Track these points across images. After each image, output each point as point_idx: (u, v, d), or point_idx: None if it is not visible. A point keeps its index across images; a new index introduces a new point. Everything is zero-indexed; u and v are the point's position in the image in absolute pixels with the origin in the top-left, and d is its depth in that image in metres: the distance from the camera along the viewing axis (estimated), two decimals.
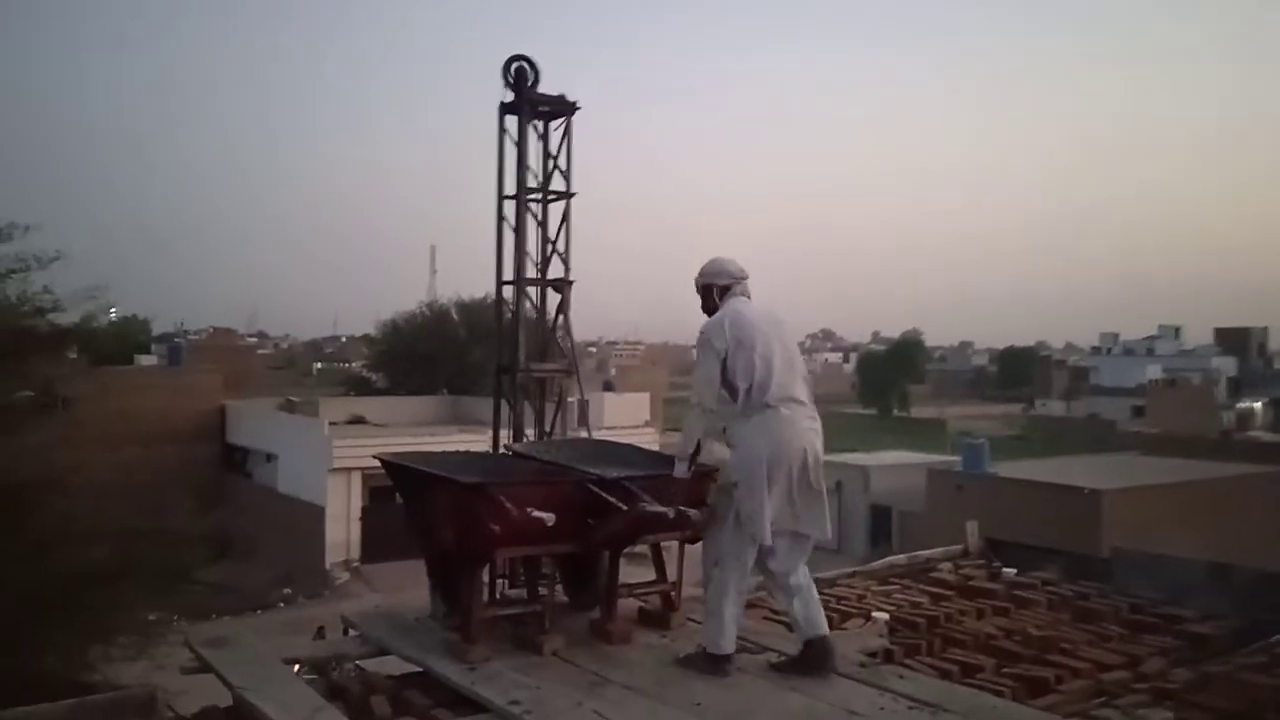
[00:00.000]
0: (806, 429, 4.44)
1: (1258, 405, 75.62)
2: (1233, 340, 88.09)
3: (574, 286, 10.00)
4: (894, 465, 32.96)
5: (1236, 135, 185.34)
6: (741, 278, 4.72)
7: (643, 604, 5.36)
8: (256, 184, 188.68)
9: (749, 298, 4.70)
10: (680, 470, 4.50)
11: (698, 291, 4.78)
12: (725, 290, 4.68)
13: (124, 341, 37.33)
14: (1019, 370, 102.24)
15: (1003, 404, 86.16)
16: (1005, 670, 5.09)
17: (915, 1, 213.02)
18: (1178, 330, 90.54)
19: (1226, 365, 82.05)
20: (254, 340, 79.18)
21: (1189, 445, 44.31)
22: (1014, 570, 7.19)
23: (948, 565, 7.39)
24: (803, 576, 4.52)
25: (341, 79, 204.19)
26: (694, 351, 4.58)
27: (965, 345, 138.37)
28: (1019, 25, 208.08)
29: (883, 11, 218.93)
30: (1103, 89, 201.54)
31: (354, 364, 62.89)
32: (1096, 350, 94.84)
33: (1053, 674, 4.98)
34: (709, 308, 4.69)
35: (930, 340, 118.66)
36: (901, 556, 7.70)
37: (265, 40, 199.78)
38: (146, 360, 38.14)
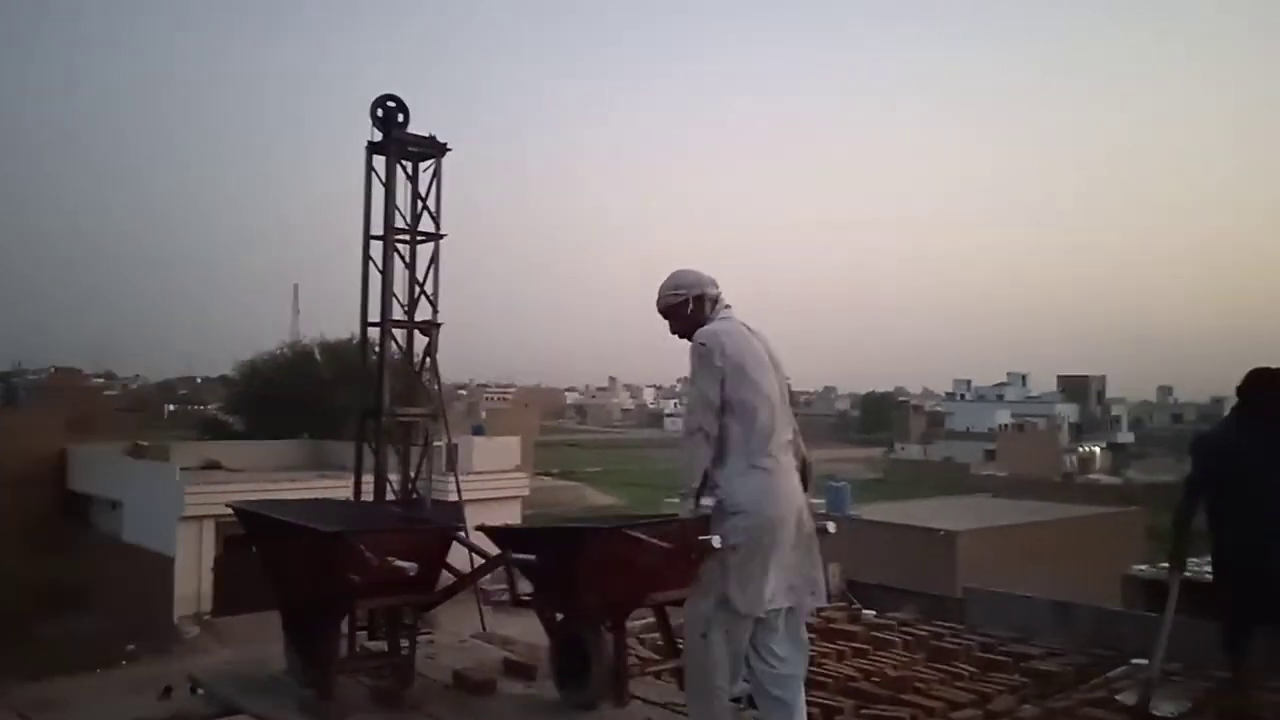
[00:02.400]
0: (798, 483, 3.92)
1: (1097, 449, 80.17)
2: (1074, 387, 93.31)
3: (442, 329, 9.89)
4: None
5: (1094, 181, 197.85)
6: (717, 285, 4.04)
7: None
8: (107, 216, 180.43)
9: (727, 310, 4.04)
10: (687, 509, 3.75)
11: (670, 313, 4.04)
12: (714, 303, 4.00)
13: None
14: (879, 415, 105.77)
15: (865, 447, 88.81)
16: (864, 712, 5.21)
17: (802, 35, 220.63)
18: (1024, 378, 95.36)
19: (1069, 411, 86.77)
20: (100, 381, 75.20)
21: (1036, 487, 46.64)
22: (873, 611, 7.38)
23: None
24: (799, 665, 3.88)
25: (200, 110, 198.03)
26: (689, 362, 3.85)
27: (829, 390, 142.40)
28: (889, 68, 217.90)
29: (717, 49, 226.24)
30: (956, 136, 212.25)
31: (209, 406, 60.36)
32: (951, 396, 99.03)
33: (908, 714, 5.12)
34: (688, 330, 3.95)
35: (795, 385, 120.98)
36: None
37: (119, 67, 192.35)
38: None
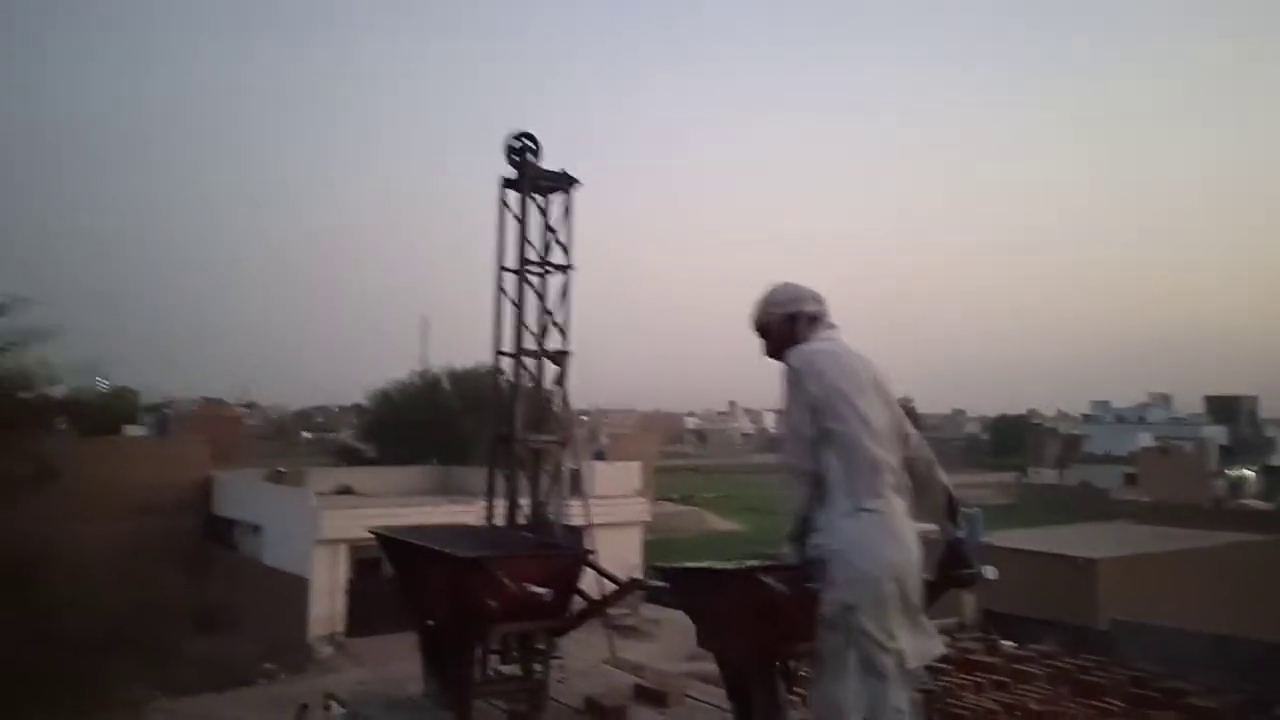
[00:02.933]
0: (913, 529, 3.38)
1: (1249, 473, 75.63)
2: (1223, 408, 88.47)
3: (570, 357, 10.05)
4: None
5: (1223, 201, 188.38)
6: (824, 301, 3.58)
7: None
8: (248, 253, 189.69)
9: (835, 330, 3.57)
10: (791, 556, 3.40)
11: (764, 331, 3.61)
12: (814, 321, 3.52)
13: (113, 412, 37.13)
14: (1011, 438, 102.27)
15: (995, 472, 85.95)
16: None
17: (905, 67, 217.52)
18: (1168, 398, 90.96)
19: (1217, 433, 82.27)
20: (243, 410, 78.83)
21: (1182, 513, 44.25)
22: (1012, 643, 7.12)
23: (945, 638, 7.33)
24: None
25: (335, 148, 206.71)
26: (782, 392, 3.39)
27: (957, 413, 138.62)
28: (1005, 94, 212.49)
29: (874, 75, 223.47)
30: (1087, 151, 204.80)
31: (343, 434, 62.56)
32: (1088, 418, 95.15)
33: None
34: (783, 350, 3.48)
35: (922, 408, 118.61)
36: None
37: (255, 108, 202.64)
38: (134, 431, 37.88)
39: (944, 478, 3.68)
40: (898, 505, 3.29)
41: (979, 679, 6.27)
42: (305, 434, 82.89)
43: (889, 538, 3.22)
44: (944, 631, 7.64)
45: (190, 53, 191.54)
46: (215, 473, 31.28)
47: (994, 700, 5.86)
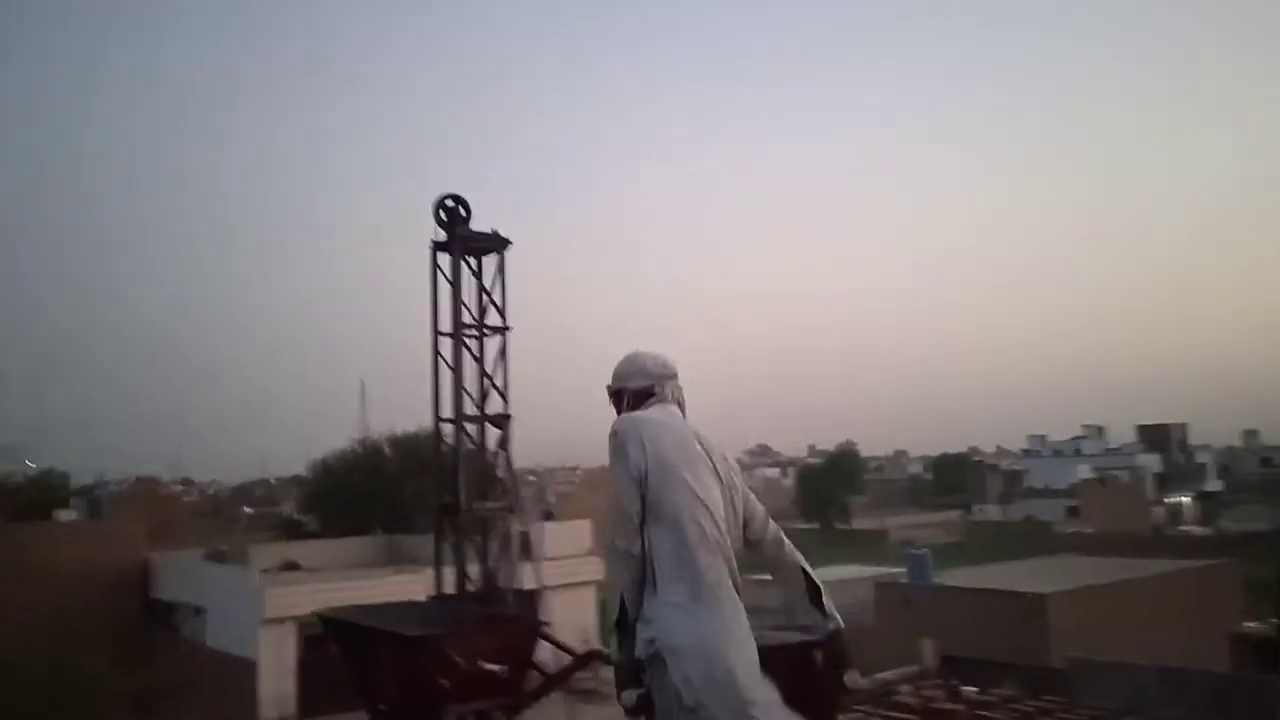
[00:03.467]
0: (747, 636, 2.91)
1: (1185, 500, 77.42)
2: (1155, 437, 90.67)
3: (511, 421, 9.96)
4: (841, 580, 32.79)
5: (1157, 231, 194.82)
6: (666, 376, 3.22)
7: None
8: (176, 324, 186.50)
9: (680, 407, 3.22)
10: (611, 651, 3.05)
11: (613, 402, 3.30)
12: (642, 397, 3.19)
13: (42, 496, 36.03)
14: (953, 476, 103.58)
15: (940, 511, 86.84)
16: None
17: (837, 99, 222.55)
18: (1102, 429, 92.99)
19: (1151, 462, 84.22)
20: (179, 488, 76.94)
21: (1125, 543, 45.06)
22: (974, 688, 7.10)
23: (907, 688, 7.30)
24: None
25: (261, 211, 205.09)
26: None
27: (900, 454, 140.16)
28: (929, 132, 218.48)
29: (798, 124, 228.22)
30: (1025, 188, 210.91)
31: (284, 507, 61.30)
32: (1026, 453, 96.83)
33: None
34: None
35: (865, 450, 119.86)
36: (861, 680, 7.59)
37: (180, 167, 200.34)
38: (66, 515, 36.74)
39: (799, 557, 3.16)
40: (728, 596, 2.90)
41: None
42: (246, 509, 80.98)
43: (728, 631, 2.84)
44: (905, 680, 7.61)
45: (123, 119, 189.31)
46: (153, 554, 30.38)
47: None
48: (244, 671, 23.99)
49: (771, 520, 3.16)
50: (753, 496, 3.13)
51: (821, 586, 3.10)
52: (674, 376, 3.22)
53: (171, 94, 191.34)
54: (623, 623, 2.97)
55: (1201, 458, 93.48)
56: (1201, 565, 29.94)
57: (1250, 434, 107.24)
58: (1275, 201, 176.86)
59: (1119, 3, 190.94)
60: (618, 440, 2.97)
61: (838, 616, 3.08)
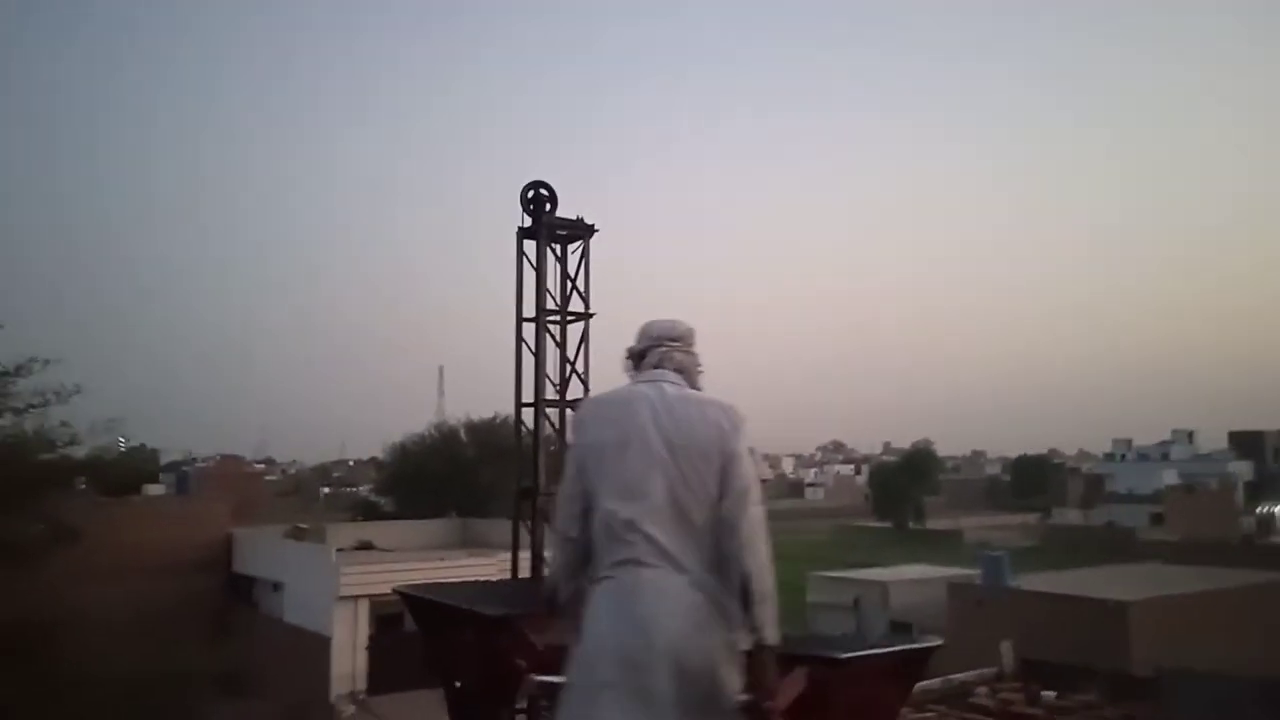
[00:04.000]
0: (657, 613, 2.64)
1: (1278, 509, 74.58)
2: (1247, 443, 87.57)
3: None
4: (913, 579, 32.33)
5: (1247, 232, 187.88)
6: (665, 337, 3.01)
7: None
8: (263, 307, 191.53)
9: (684, 372, 2.98)
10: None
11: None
12: (638, 358, 3.03)
13: (132, 472, 37.29)
14: (1032, 479, 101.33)
15: (1018, 513, 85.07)
16: None
17: (921, 99, 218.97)
18: (1191, 435, 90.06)
19: (1243, 469, 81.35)
20: (261, 466, 79.11)
21: (1212, 552, 43.57)
22: (1053, 693, 6.91)
23: (984, 689, 7.14)
24: None
25: (344, 201, 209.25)
26: None
27: (977, 454, 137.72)
28: (1028, 118, 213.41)
29: (883, 108, 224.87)
30: (1102, 184, 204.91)
31: (362, 488, 62.56)
32: (1110, 457, 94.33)
33: None
34: None
35: (942, 450, 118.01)
36: (935, 680, 7.44)
37: (264, 159, 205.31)
38: (154, 490, 38.00)
39: (748, 562, 2.66)
40: (645, 575, 2.66)
41: None
42: (324, 489, 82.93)
43: (617, 613, 2.66)
44: (982, 682, 7.45)
45: (203, 101, 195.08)
46: (235, 530, 31.27)
47: None
48: (318, 647, 24.56)
49: (748, 506, 2.72)
50: (735, 474, 2.74)
51: (757, 595, 2.64)
52: (677, 340, 3.01)
53: (255, 73, 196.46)
54: (554, 605, 2.96)
55: None
56: None
57: None
58: None
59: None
60: (573, 422, 3.01)
61: (766, 632, 2.63)
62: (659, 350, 2.96)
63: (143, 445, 43.91)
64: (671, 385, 2.88)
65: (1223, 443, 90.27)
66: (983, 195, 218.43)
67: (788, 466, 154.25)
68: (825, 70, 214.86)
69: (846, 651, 4.08)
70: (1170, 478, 75.96)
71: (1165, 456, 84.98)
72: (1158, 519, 66.25)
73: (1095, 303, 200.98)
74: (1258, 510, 72.04)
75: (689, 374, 2.96)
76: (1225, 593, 25.79)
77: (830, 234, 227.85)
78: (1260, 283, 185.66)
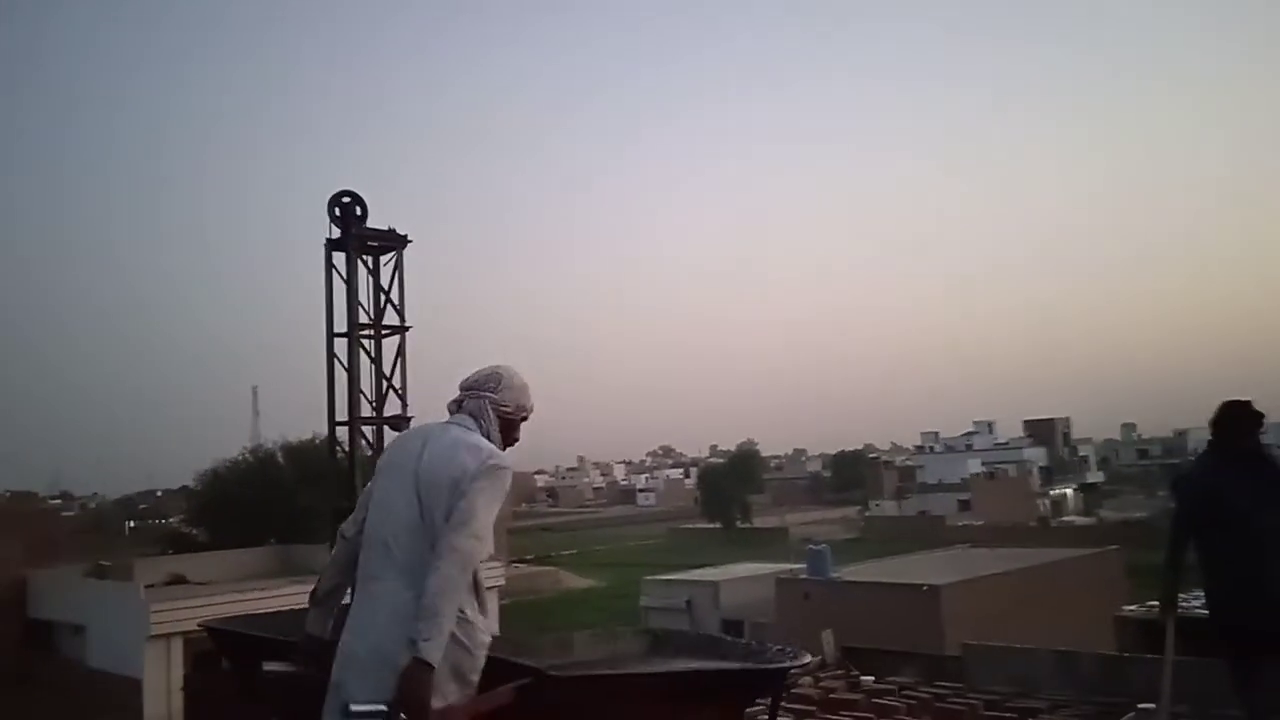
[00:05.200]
0: (374, 621, 2.98)
1: (1069, 491, 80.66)
2: (1040, 431, 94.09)
3: (412, 422, 9.73)
4: (743, 578, 33.12)
5: (1035, 231, 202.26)
6: (465, 389, 3.35)
7: None
8: (52, 328, 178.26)
9: (475, 416, 3.28)
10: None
11: None
12: (452, 407, 3.39)
13: None
14: (851, 473, 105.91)
15: (839, 507, 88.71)
16: None
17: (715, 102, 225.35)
18: (991, 425, 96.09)
19: (1037, 455, 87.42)
20: (57, 502, 73.47)
21: (1013, 534, 46.72)
22: (871, 677, 7.21)
23: (808, 679, 7.37)
24: None
25: (149, 212, 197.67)
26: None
27: (799, 452, 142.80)
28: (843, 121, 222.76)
29: (704, 111, 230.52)
30: (911, 182, 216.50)
31: (171, 519, 59.09)
32: (920, 449, 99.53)
33: None
34: None
35: (765, 450, 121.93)
36: None
37: (67, 166, 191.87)
38: None
39: (430, 578, 2.85)
40: (374, 589, 3.02)
41: (844, 717, 6.31)
42: (129, 522, 77.89)
43: (351, 621, 3.07)
44: (806, 672, 7.70)
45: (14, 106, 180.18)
46: (29, 572, 28.95)
47: None
48: (128, 691, 23.07)
49: (459, 534, 2.94)
50: (459, 507, 2.99)
51: (424, 609, 2.80)
52: (473, 388, 3.33)
53: (62, 78, 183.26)
54: (313, 596, 3.41)
55: (1084, 450, 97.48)
56: (1085, 554, 31.24)
57: (1128, 427, 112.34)
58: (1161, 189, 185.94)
59: None
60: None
61: (420, 646, 2.74)
62: (461, 398, 3.32)
63: None
64: (457, 427, 3.25)
65: (1019, 431, 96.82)
66: (786, 190, 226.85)
67: (619, 474, 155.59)
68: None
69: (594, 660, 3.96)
70: (974, 466, 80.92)
71: (969, 446, 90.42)
72: (965, 505, 70.49)
73: (898, 305, 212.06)
74: (1051, 492, 77.70)
75: (479, 417, 3.28)
76: (1027, 571, 27.67)
77: (648, 244, 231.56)
78: (1051, 278, 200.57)
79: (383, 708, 2.70)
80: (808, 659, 3.28)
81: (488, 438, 3.22)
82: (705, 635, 4.02)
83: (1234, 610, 4.97)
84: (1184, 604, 5.42)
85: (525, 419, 3.41)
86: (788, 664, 3.45)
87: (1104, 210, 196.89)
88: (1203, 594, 5.33)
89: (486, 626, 3.09)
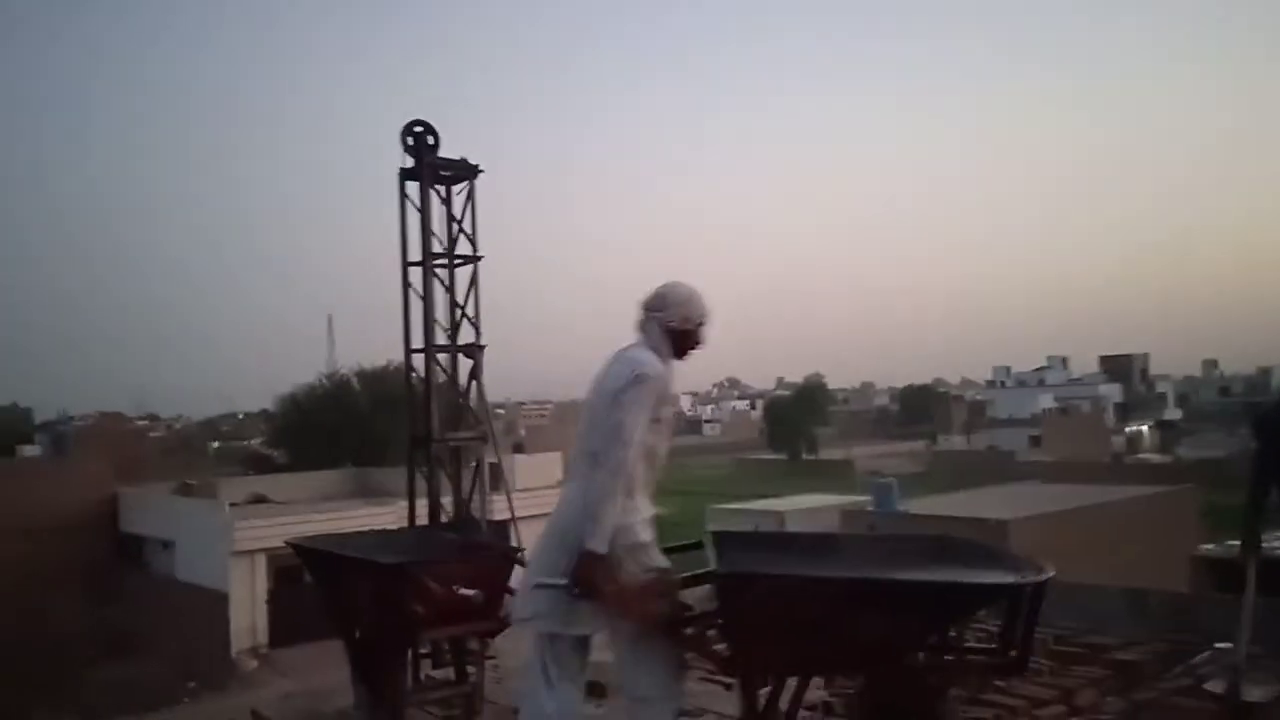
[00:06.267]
0: (562, 513, 3.62)
1: (1145, 428, 78.98)
2: (1116, 367, 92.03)
3: (485, 350, 9.88)
4: (808, 509, 33.20)
5: (1110, 172, 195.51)
6: (647, 309, 3.72)
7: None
8: (136, 257, 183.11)
9: (640, 338, 3.70)
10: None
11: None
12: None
13: (5, 432, 35.63)
14: (919, 407, 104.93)
15: (906, 441, 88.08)
16: None
17: (815, 57, 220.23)
18: (1065, 360, 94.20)
19: (1112, 392, 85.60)
20: (144, 423, 76.27)
21: (1085, 471, 45.96)
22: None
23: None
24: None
25: (226, 142, 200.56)
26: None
27: (867, 386, 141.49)
28: (916, 74, 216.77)
29: (782, 59, 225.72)
30: (986, 122, 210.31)
31: (252, 441, 61.03)
32: (991, 384, 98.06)
33: (991, 714, 4.99)
34: None
35: (833, 383, 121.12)
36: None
37: (142, 103, 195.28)
38: (29, 451, 36.41)
39: (591, 484, 3.48)
40: (564, 491, 3.72)
41: None
42: (213, 443, 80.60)
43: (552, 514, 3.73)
44: None
45: (78, 53, 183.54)
46: (121, 489, 30.21)
47: None
48: (215, 603, 24.09)
49: (611, 440, 3.43)
50: (610, 415, 3.46)
51: (588, 508, 3.41)
52: (644, 309, 3.70)
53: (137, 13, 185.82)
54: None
55: (1162, 388, 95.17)
56: (1160, 491, 30.62)
57: (1209, 364, 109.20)
58: (1256, 142, 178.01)
59: None
60: None
61: (586, 538, 3.37)
62: (647, 318, 3.69)
63: (14, 405, 41.97)
64: (630, 348, 3.65)
65: (1094, 367, 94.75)
66: (856, 129, 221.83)
67: (685, 404, 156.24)
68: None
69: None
70: (1046, 402, 79.55)
71: (1041, 382, 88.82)
72: (1036, 441, 69.43)
73: (975, 239, 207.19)
74: (1126, 430, 76.18)
75: (646, 334, 3.67)
76: (1098, 508, 27.25)
77: (724, 178, 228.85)
78: (1127, 209, 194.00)
79: (563, 582, 3.36)
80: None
81: (657, 353, 3.61)
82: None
83: None
84: (1266, 545, 5.32)
85: (701, 325, 3.74)
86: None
87: (1183, 136, 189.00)
88: None
89: (640, 518, 3.56)
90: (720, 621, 3.50)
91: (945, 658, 3.50)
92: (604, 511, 3.36)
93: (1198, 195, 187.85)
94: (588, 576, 3.33)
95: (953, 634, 3.58)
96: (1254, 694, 4.96)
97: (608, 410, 3.47)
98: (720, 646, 3.63)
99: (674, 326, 3.66)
